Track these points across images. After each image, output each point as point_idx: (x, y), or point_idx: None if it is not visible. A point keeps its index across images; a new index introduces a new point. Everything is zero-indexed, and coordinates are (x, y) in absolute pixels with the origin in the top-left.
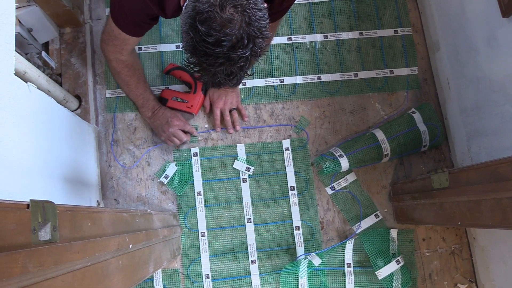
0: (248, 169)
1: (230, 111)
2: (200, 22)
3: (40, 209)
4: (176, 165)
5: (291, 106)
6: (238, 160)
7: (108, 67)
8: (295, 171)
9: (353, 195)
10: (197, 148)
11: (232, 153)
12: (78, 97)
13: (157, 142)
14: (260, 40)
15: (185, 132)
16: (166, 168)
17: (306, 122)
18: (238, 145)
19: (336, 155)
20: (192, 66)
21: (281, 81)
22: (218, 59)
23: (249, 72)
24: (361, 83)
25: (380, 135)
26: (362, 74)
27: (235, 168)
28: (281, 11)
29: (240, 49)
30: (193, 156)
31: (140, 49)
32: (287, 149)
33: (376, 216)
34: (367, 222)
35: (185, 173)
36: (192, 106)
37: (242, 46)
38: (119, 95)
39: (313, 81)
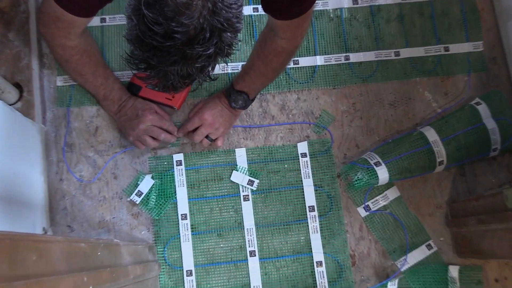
0: (251, 182)
1: (207, 136)
2: (146, 6)
3: None
4: (152, 178)
5: (308, 96)
6: (237, 170)
7: (53, 55)
8: (315, 186)
9: (395, 218)
10: (181, 154)
11: (229, 161)
12: (18, 86)
13: (128, 146)
14: (228, 34)
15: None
16: (139, 182)
17: (329, 118)
18: (237, 150)
19: (372, 163)
20: (136, 62)
21: (295, 63)
22: (170, 56)
23: (212, 76)
24: (405, 64)
25: (431, 135)
26: (405, 53)
27: (233, 182)
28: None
29: (199, 44)
30: (176, 165)
31: (103, 20)
32: (304, 155)
33: (429, 247)
34: (416, 255)
35: (165, 189)
36: (173, 97)
37: (203, 40)
38: (74, 83)
39: (339, 62)
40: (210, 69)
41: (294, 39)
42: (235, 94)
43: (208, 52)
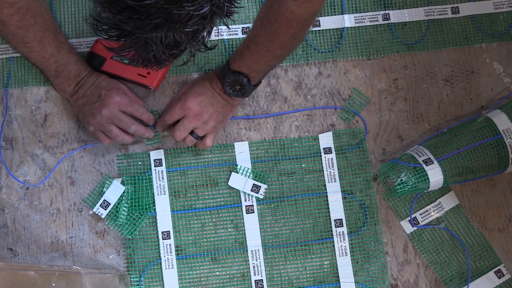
0: (256, 188)
1: (192, 132)
2: None
3: None
4: (123, 183)
5: (334, 70)
6: (237, 172)
7: None
8: (343, 192)
9: (452, 234)
10: (161, 151)
11: (226, 160)
12: None
13: (89, 141)
14: None
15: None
16: (104, 190)
17: (362, 101)
18: (236, 144)
19: (420, 160)
20: (106, 28)
21: (316, 25)
22: (151, 18)
23: (208, 44)
24: (466, 24)
25: (503, 121)
26: (467, 9)
27: (233, 188)
28: None
29: (188, 1)
30: (155, 166)
31: None
32: (328, 150)
33: (499, 274)
34: (482, 285)
35: (139, 199)
36: (149, 73)
37: None
38: (14, 55)
39: (375, 23)
40: (205, 34)
41: (310, 1)
42: (231, 76)
43: (202, 11)
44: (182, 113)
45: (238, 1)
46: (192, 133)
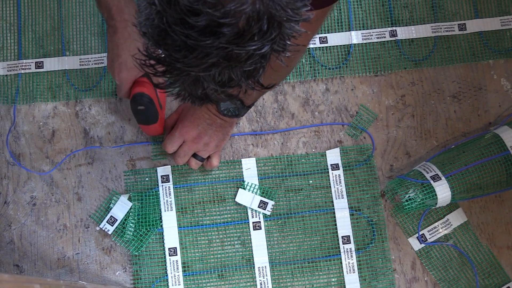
0: (263, 205)
1: (195, 155)
2: None
3: None
4: (130, 199)
5: (341, 87)
6: (244, 188)
7: None
8: (351, 208)
9: (461, 251)
10: (169, 167)
11: (233, 176)
12: None
13: (96, 157)
14: (290, 25)
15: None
16: (111, 206)
17: (370, 117)
18: (244, 160)
19: (428, 176)
20: (154, 64)
21: (323, 41)
22: (208, 58)
23: (262, 81)
24: (473, 41)
25: (511, 138)
26: (474, 25)
27: (240, 204)
28: None
29: (252, 40)
30: (162, 182)
31: None
32: (335, 166)
33: None
34: None
35: (146, 215)
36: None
37: (258, 35)
38: (22, 71)
39: (382, 39)
40: (261, 72)
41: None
42: (226, 102)
43: (263, 50)
44: (181, 140)
45: (296, 37)
46: (195, 156)
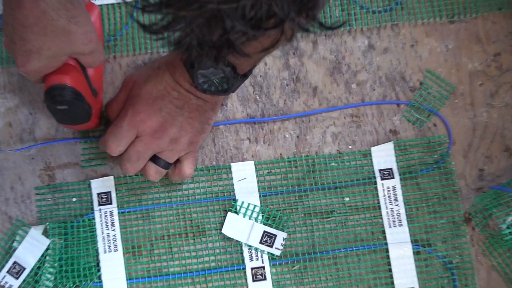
0: (268, 238)
1: (156, 159)
2: None
3: None
4: (47, 233)
5: (394, 41)
6: (236, 211)
7: None
8: (415, 243)
9: None
10: (111, 179)
11: (218, 192)
12: None
13: None
14: None
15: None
16: (14, 245)
17: (442, 91)
18: (234, 165)
19: None
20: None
21: None
22: None
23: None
24: None
25: None
26: None
27: (229, 238)
28: None
29: None
30: (100, 204)
31: None
32: (387, 174)
33: None
34: None
35: (74, 259)
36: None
37: None
38: None
39: None
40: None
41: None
42: (205, 64)
43: None
44: (132, 134)
45: None
46: (156, 160)
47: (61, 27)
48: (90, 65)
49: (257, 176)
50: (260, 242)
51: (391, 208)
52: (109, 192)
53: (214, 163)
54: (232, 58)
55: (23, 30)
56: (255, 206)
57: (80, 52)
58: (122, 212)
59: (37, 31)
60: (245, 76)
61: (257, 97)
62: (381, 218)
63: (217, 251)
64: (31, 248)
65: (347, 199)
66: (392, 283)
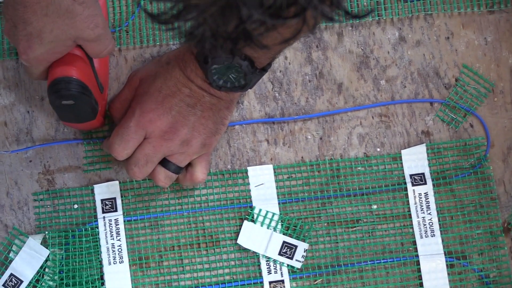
0: (288, 249)
1: (166, 162)
2: None
3: None
4: (46, 243)
5: (427, 33)
6: (253, 220)
7: None
8: (448, 255)
9: None
10: (116, 184)
11: (233, 198)
12: None
13: None
14: None
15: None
16: (11, 255)
17: (481, 88)
18: (251, 169)
19: None
20: None
21: None
22: None
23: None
24: None
25: None
26: None
27: (245, 249)
28: None
29: None
30: (104, 211)
31: None
32: (418, 179)
33: None
34: None
35: (76, 271)
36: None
37: None
38: None
39: None
40: None
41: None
42: (220, 59)
43: None
44: (140, 136)
45: None
46: (166, 164)
47: (65, 7)
48: (97, 54)
49: (276, 181)
50: (279, 254)
51: (423, 217)
52: (114, 198)
53: (229, 167)
54: (249, 51)
55: (23, 11)
56: (273, 214)
57: (86, 37)
58: (129, 220)
59: (38, 10)
60: (264, 70)
61: (277, 95)
62: (412, 228)
63: (232, 263)
64: (29, 259)
65: (374, 206)
66: None
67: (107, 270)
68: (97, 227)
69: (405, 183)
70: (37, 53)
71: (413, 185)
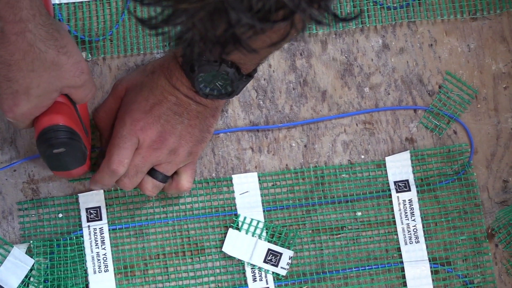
0: (273, 257)
1: (153, 172)
2: None
3: None
4: (31, 252)
5: (411, 40)
6: (238, 227)
7: None
8: (433, 261)
9: None
10: (100, 194)
11: (217, 206)
12: None
13: None
14: None
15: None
16: None
17: (464, 95)
18: (236, 177)
19: None
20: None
21: None
22: None
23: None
24: None
25: None
26: None
27: (230, 257)
28: None
29: None
30: (89, 220)
31: None
32: (403, 186)
33: None
34: None
35: (61, 280)
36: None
37: None
38: None
39: None
40: None
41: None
42: (207, 67)
43: None
44: (135, 142)
45: None
46: (153, 173)
47: (50, 59)
48: (82, 99)
49: (260, 189)
50: (264, 261)
51: (407, 224)
52: (99, 207)
53: (213, 175)
54: (237, 56)
55: (8, 69)
56: (258, 221)
57: (72, 85)
58: (113, 229)
59: (24, 67)
60: (250, 76)
61: (261, 103)
62: (396, 235)
63: (217, 271)
64: (14, 268)
65: (359, 213)
66: None
67: (92, 279)
68: (82, 236)
69: (389, 190)
70: (24, 110)
71: (397, 191)
